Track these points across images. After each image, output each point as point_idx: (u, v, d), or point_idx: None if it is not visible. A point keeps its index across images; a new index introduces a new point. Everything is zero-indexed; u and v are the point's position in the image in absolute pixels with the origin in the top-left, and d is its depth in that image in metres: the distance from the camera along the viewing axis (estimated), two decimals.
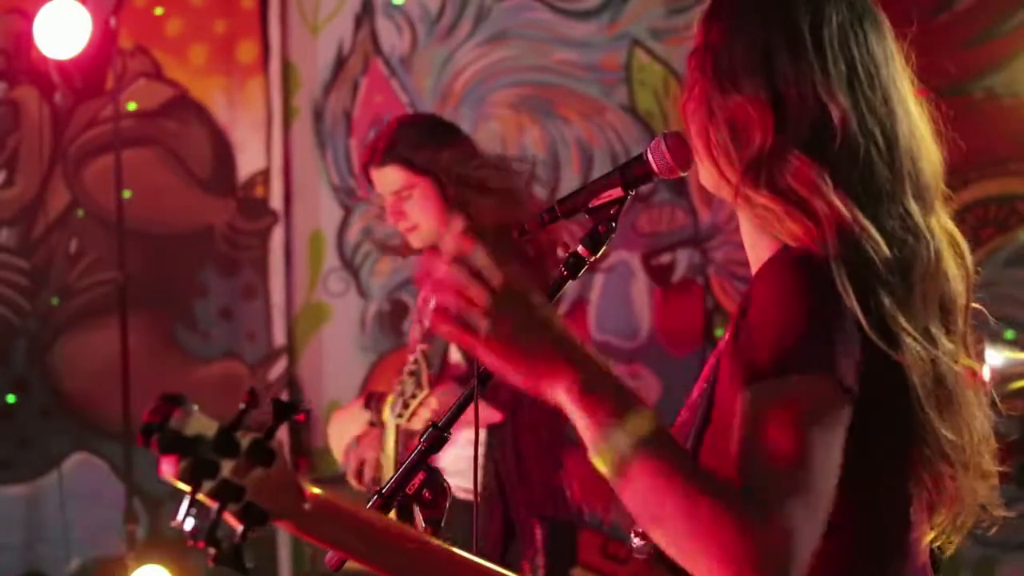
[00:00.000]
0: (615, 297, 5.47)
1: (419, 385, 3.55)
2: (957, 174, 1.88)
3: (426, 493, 2.00)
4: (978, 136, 4.76)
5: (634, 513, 1.64)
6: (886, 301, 1.71)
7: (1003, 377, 3.77)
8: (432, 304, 1.63)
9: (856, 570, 1.77)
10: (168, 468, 1.49)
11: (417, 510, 1.99)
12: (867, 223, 1.73)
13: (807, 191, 1.74)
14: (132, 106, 5.65)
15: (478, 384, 2.06)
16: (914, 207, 1.78)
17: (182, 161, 5.73)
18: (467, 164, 3.83)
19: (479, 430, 2.17)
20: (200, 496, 1.50)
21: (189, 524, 1.49)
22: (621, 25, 5.47)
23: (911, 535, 1.82)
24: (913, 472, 1.77)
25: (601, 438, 1.63)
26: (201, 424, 1.49)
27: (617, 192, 2.05)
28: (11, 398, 5.61)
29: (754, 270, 1.87)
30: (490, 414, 3.58)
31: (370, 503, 2.11)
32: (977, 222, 5.03)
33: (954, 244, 1.84)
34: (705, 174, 1.89)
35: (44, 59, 5.43)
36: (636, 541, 1.90)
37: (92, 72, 5.58)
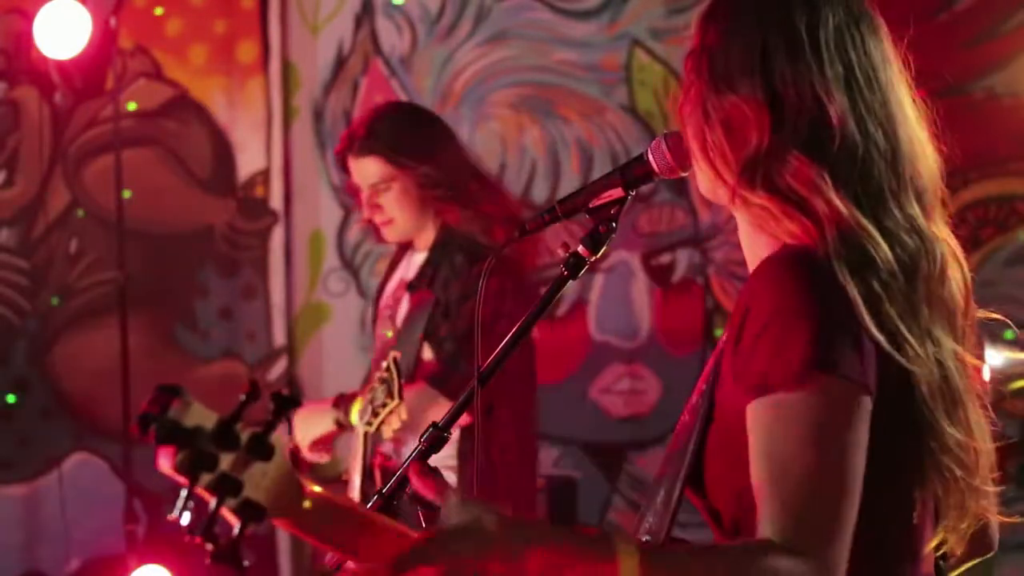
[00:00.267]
0: (615, 297, 5.47)
1: (390, 394, 3.42)
2: (957, 174, 1.88)
3: None
4: (978, 136, 4.77)
5: None
6: (888, 300, 1.71)
7: (1003, 377, 3.77)
8: None
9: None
10: (165, 460, 1.44)
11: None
12: (867, 223, 1.73)
13: (806, 190, 1.74)
14: (132, 106, 5.65)
15: (478, 384, 2.06)
16: (915, 209, 1.78)
17: (182, 161, 5.73)
18: (448, 167, 3.77)
19: (479, 431, 2.17)
20: (198, 489, 1.45)
21: (186, 518, 1.44)
22: (621, 25, 5.47)
23: (917, 541, 1.81)
24: (921, 475, 1.76)
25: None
26: (200, 415, 1.46)
27: (618, 192, 2.05)
28: (11, 398, 5.61)
29: (752, 270, 1.86)
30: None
31: (370, 503, 2.11)
32: (977, 222, 5.03)
33: (952, 248, 1.84)
34: (701, 177, 1.89)
35: (44, 59, 5.42)
36: None
37: (92, 72, 5.57)
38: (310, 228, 5.77)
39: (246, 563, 1.48)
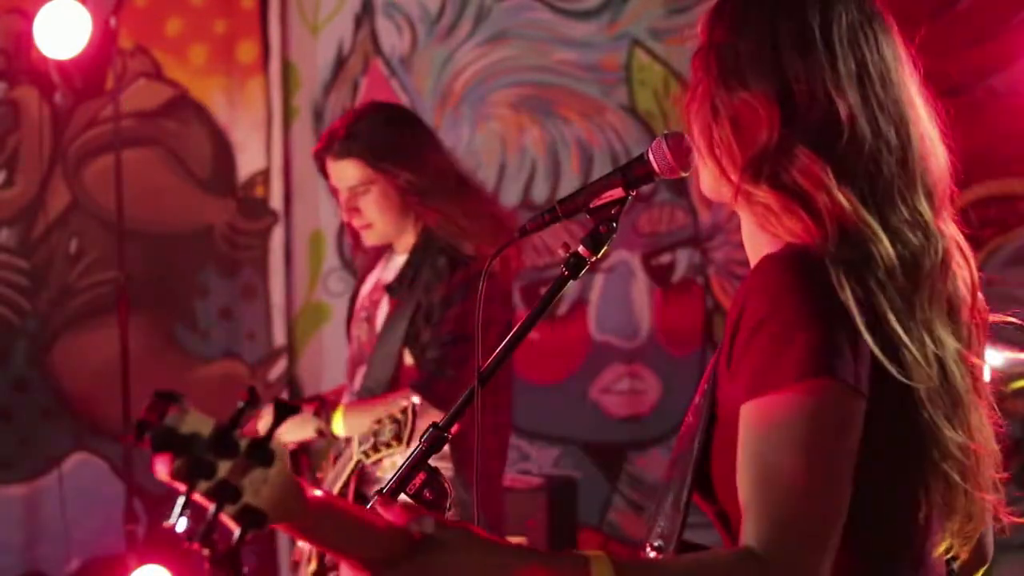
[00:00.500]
0: (615, 297, 5.47)
1: (397, 437, 3.30)
2: (957, 174, 1.88)
3: (427, 493, 1.99)
4: (978, 136, 4.76)
5: None
6: (886, 302, 1.70)
7: (1003, 377, 3.77)
8: None
9: None
10: (162, 467, 1.44)
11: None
12: (870, 219, 1.73)
13: (810, 186, 1.73)
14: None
15: (478, 384, 2.06)
16: (924, 205, 1.78)
17: (182, 161, 5.73)
18: (429, 170, 3.69)
19: (479, 433, 2.16)
20: (196, 496, 1.44)
21: (182, 525, 1.43)
22: (621, 25, 5.47)
23: (924, 544, 1.80)
24: (923, 478, 1.75)
25: None
26: (197, 422, 1.44)
27: (618, 192, 2.05)
28: None
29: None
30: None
31: (369, 504, 2.11)
32: (977, 222, 5.02)
33: (958, 243, 1.84)
34: (705, 176, 1.88)
35: (44, 59, 5.42)
36: (651, 555, 1.89)
37: (92, 72, 5.58)
38: (310, 228, 5.77)
39: (245, 569, 1.47)
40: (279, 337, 5.74)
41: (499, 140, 5.54)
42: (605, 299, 5.48)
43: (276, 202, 5.75)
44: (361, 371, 3.77)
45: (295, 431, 3.66)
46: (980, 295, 1.86)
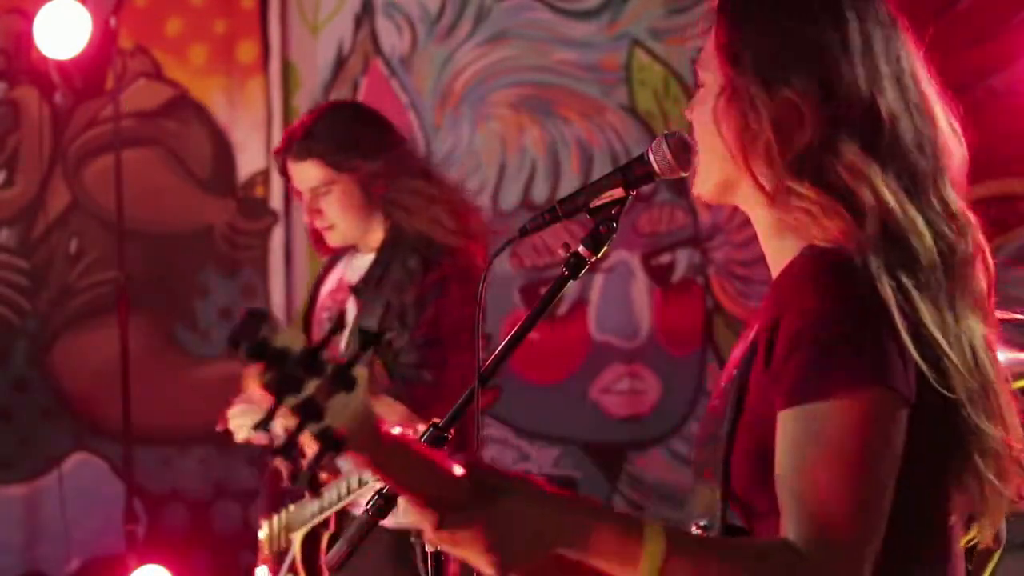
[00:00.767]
0: (615, 297, 5.47)
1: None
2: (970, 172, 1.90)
3: None
4: (978, 136, 4.76)
5: None
6: (927, 303, 1.71)
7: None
8: None
9: None
10: (254, 378, 1.42)
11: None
12: (915, 214, 1.74)
13: (855, 182, 1.74)
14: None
15: (478, 384, 2.06)
16: (954, 197, 1.80)
17: (182, 161, 5.73)
18: (394, 166, 3.61)
19: (479, 433, 2.16)
20: (281, 411, 1.42)
21: (263, 438, 1.40)
22: (621, 25, 5.47)
23: (952, 542, 1.80)
24: (961, 478, 1.76)
25: (629, 565, 1.62)
26: (290, 338, 1.42)
27: (618, 192, 2.05)
28: None
29: (775, 271, 1.85)
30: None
31: (370, 503, 2.11)
32: (977, 222, 5.02)
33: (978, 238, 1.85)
34: (703, 178, 1.88)
35: (44, 59, 5.43)
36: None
37: (92, 72, 5.58)
38: None
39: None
40: None
41: (499, 140, 5.54)
42: (605, 299, 5.48)
43: (276, 202, 5.75)
44: None
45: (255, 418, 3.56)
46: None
